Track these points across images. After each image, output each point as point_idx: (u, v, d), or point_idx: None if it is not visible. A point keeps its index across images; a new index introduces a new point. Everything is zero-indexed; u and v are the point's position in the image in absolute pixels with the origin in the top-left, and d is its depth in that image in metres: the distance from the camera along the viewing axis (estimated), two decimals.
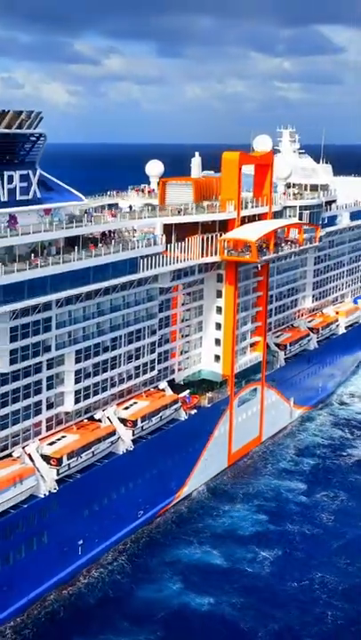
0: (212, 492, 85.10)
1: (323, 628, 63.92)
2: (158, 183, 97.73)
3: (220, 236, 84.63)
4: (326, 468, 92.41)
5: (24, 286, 62.88)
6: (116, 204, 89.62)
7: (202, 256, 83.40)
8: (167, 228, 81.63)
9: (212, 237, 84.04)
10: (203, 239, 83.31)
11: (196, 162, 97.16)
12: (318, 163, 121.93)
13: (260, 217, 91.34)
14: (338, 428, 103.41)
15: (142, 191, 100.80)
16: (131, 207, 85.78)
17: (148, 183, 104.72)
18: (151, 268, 76.30)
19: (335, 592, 68.24)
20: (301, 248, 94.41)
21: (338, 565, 72.27)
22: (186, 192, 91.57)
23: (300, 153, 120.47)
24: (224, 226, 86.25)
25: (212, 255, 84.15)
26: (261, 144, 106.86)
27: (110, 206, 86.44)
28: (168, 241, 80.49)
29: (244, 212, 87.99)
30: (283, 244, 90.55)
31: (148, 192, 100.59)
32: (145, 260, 75.54)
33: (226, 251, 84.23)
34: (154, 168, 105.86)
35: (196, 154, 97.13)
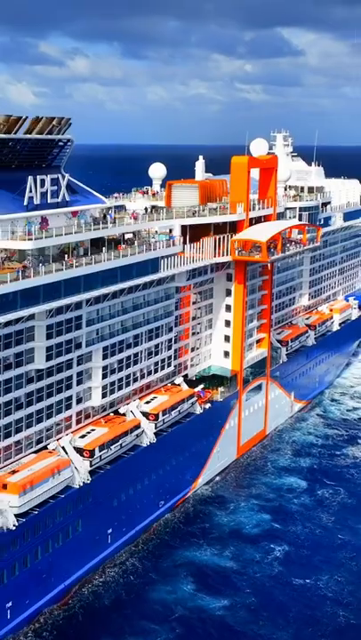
0: (215, 491, 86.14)
1: (335, 627, 64.42)
2: (164, 185, 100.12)
3: (232, 236, 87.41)
4: (325, 466, 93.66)
5: (61, 286, 65.21)
6: (124, 206, 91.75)
7: (214, 256, 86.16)
8: (182, 230, 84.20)
9: (223, 238, 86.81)
10: (215, 240, 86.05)
11: (199, 165, 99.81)
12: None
13: (266, 218, 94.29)
14: (332, 427, 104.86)
15: (146, 193, 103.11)
16: (146, 209, 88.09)
17: (150, 185, 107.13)
18: (170, 267, 78.94)
19: (342, 590, 68.93)
20: (305, 248, 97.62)
21: (343, 563, 73.19)
22: (192, 194, 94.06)
23: (292, 156, 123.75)
24: (233, 227, 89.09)
25: (223, 255, 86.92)
26: (257, 148, 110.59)
27: (118, 208, 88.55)
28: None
29: (252, 214, 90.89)
30: (288, 245, 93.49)
31: (153, 194, 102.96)
32: (165, 260, 78.16)
33: (237, 251, 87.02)
34: (157, 171, 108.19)
35: (200, 157, 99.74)
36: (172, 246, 79.52)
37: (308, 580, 70.43)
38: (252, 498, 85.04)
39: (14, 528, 60.03)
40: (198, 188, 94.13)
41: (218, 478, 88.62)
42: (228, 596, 68.08)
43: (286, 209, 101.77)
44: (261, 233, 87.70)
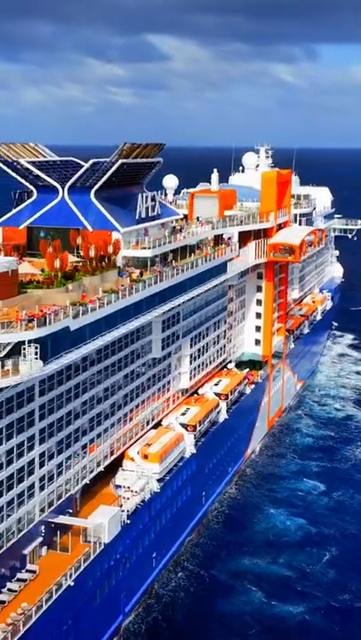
0: (241, 499, 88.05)
1: None
2: (183, 194, 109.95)
3: (267, 241, 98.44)
4: (331, 467, 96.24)
5: (176, 287, 74.85)
6: None
7: (255, 258, 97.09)
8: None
9: (260, 242, 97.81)
10: (255, 244, 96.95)
11: (215, 177, 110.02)
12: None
13: (284, 224, 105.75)
14: (323, 428, 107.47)
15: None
16: (198, 218, 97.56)
17: (165, 195, 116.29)
18: (232, 269, 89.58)
19: None
20: (318, 248, 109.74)
21: None
22: (212, 204, 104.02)
23: (271, 167, 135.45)
24: (264, 232, 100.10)
25: (261, 257, 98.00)
26: (250, 160, 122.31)
27: None
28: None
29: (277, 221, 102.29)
30: (307, 246, 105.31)
31: (169, 203, 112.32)
32: (229, 262, 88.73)
33: (272, 253, 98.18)
34: (170, 181, 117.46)
35: (215, 170, 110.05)
36: (234, 251, 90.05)
37: None
38: (279, 503, 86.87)
39: (158, 491, 69.59)
40: (218, 198, 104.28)
41: (234, 489, 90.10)
42: (299, 602, 69.58)
43: None
44: (293, 237, 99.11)
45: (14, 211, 76.01)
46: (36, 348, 51.08)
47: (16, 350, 51.49)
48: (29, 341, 51.11)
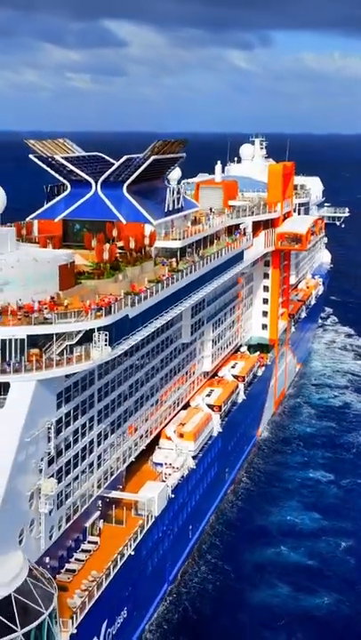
0: (254, 488, 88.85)
1: None
2: (183, 185, 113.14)
3: (274, 230, 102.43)
4: (336, 456, 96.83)
5: (206, 275, 78.51)
6: None
7: (264, 247, 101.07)
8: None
9: (269, 232, 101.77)
10: (265, 233, 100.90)
11: (218, 168, 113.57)
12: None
13: (288, 214, 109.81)
14: (323, 417, 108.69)
15: None
16: (211, 209, 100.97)
17: None
18: (247, 257, 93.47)
19: None
20: (320, 237, 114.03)
21: None
22: (217, 195, 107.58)
23: (265, 158, 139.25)
24: (272, 222, 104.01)
25: (270, 246, 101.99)
26: (247, 151, 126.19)
27: None
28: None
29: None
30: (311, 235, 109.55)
31: None
32: (245, 251, 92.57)
33: (280, 242, 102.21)
34: (174, 172, 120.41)
35: (218, 162, 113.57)
36: (248, 240, 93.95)
37: None
38: (289, 494, 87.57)
39: (194, 467, 73.53)
40: (223, 189, 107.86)
41: (245, 479, 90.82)
42: (324, 594, 69.61)
43: None
44: (299, 226, 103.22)
45: (49, 204, 78.70)
46: (106, 335, 54.37)
47: (84, 338, 54.70)
48: (99, 329, 54.40)
